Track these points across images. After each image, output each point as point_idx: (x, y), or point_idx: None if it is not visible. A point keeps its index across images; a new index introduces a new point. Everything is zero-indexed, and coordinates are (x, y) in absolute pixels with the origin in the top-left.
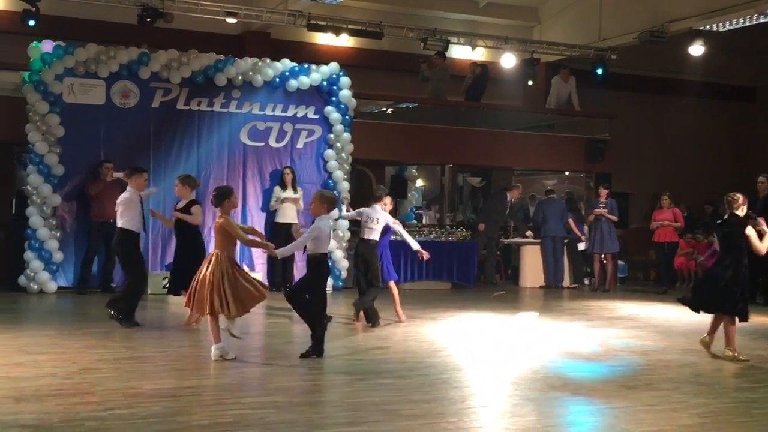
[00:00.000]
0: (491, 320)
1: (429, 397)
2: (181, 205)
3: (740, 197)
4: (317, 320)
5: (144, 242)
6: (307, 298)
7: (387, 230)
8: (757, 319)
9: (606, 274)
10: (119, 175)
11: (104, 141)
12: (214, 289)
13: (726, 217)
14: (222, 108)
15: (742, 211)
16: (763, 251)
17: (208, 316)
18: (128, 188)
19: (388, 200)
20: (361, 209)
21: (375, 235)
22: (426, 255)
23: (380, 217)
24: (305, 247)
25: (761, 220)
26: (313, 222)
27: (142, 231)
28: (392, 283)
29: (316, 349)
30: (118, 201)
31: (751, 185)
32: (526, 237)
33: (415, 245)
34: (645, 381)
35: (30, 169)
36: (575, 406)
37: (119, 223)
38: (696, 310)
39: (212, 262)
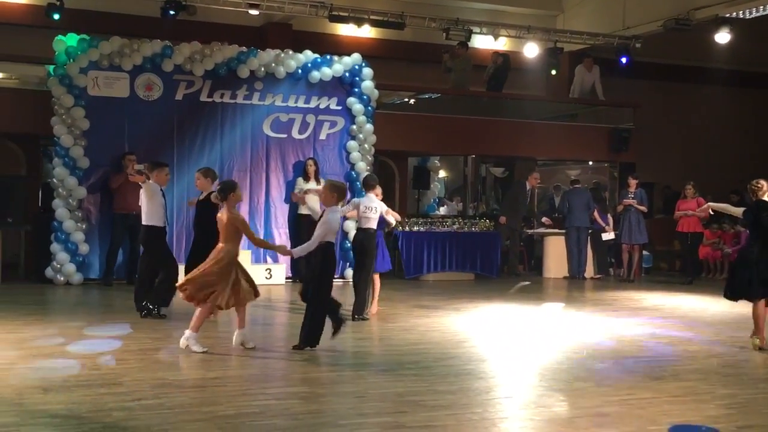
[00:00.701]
0: (515, 311)
1: (454, 388)
2: (202, 197)
3: (764, 183)
4: (330, 308)
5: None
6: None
7: (382, 220)
8: None
9: (632, 265)
10: (141, 167)
11: (128, 133)
12: (220, 281)
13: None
14: (245, 100)
15: None
16: None
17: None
18: (149, 182)
19: (379, 190)
20: (356, 200)
21: (373, 224)
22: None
23: (376, 205)
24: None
25: None
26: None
27: (166, 224)
28: (377, 276)
29: (336, 327)
30: (141, 197)
31: None
32: (544, 225)
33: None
34: (671, 372)
35: (56, 162)
36: (600, 397)
37: (144, 220)
38: (734, 299)
39: (219, 255)
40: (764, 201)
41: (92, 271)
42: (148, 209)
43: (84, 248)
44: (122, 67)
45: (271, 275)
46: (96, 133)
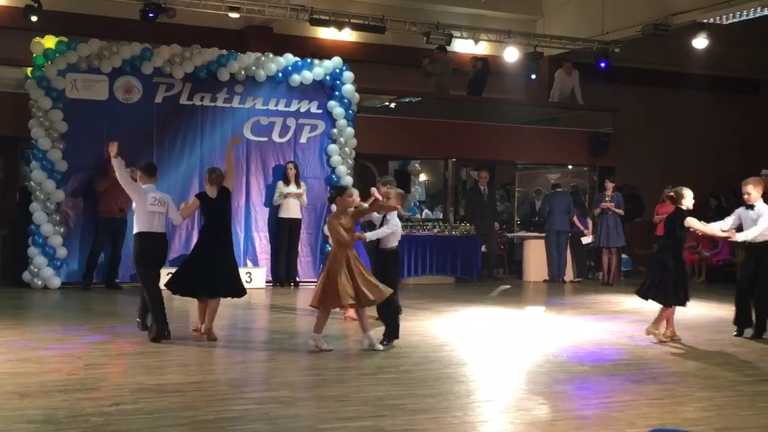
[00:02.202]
0: (495, 314)
1: (434, 392)
2: (212, 193)
3: (684, 191)
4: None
5: None
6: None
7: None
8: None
9: (611, 268)
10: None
11: (107, 136)
12: (349, 281)
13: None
14: (225, 103)
15: (683, 205)
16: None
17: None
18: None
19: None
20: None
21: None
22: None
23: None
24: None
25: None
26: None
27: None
28: None
29: (391, 334)
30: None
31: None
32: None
33: None
34: (650, 375)
35: (33, 164)
36: (580, 400)
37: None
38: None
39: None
40: (680, 209)
41: (70, 275)
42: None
43: (62, 252)
44: (101, 69)
45: (251, 279)
46: (74, 136)
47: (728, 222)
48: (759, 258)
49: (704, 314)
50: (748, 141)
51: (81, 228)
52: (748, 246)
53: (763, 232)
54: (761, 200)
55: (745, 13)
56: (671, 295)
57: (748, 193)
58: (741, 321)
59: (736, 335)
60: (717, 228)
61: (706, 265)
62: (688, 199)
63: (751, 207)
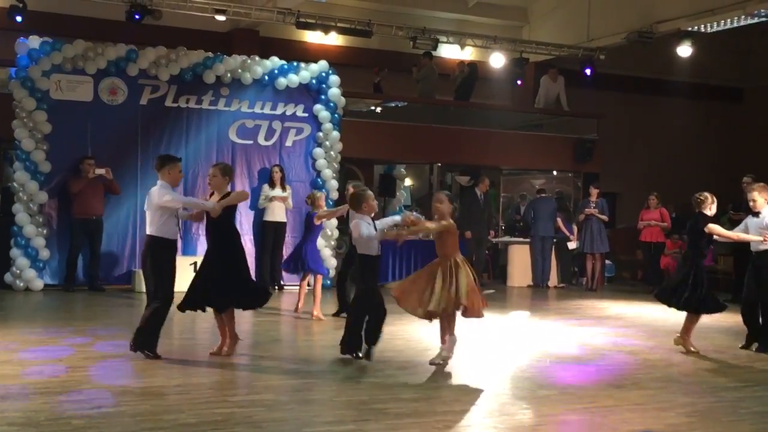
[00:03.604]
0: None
1: (417, 396)
2: (214, 199)
3: (708, 196)
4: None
5: (132, 240)
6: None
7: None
8: (740, 318)
9: (595, 274)
10: (101, 171)
11: (92, 138)
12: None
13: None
14: (211, 105)
15: (710, 211)
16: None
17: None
18: (159, 183)
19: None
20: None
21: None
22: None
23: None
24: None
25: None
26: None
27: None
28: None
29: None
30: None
31: (737, 185)
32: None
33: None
34: (632, 380)
35: (16, 165)
36: (563, 405)
37: (149, 230)
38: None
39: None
40: (704, 214)
41: (53, 277)
42: (160, 219)
43: (45, 254)
44: (86, 70)
45: None
46: (58, 137)
47: (739, 231)
48: (760, 268)
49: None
50: (731, 148)
51: (63, 230)
52: (755, 256)
53: None
54: (767, 207)
55: (728, 21)
56: (703, 304)
57: (754, 200)
58: (752, 334)
59: (742, 348)
60: (741, 234)
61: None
62: (713, 205)
63: (756, 214)
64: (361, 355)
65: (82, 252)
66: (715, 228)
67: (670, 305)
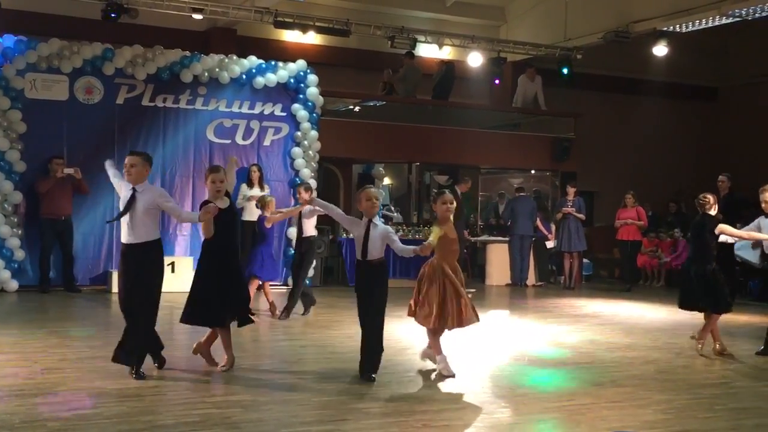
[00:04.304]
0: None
1: (396, 395)
2: (223, 205)
3: (711, 197)
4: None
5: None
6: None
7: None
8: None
9: (572, 272)
10: (70, 171)
11: (67, 138)
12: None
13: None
14: (188, 105)
15: (713, 211)
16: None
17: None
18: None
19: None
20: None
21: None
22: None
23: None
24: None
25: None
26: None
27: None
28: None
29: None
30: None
31: (713, 183)
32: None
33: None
34: (610, 378)
35: None
36: (541, 404)
37: (142, 237)
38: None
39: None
40: (710, 215)
41: (28, 278)
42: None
43: (20, 254)
44: (61, 69)
45: None
46: (33, 137)
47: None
48: None
49: (663, 318)
50: (706, 147)
51: (35, 230)
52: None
53: None
54: None
55: (704, 21)
56: (719, 302)
57: (766, 201)
58: None
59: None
60: (754, 233)
61: (665, 269)
62: (716, 206)
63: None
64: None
65: (54, 253)
66: (726, 228)
67: (699, 310)
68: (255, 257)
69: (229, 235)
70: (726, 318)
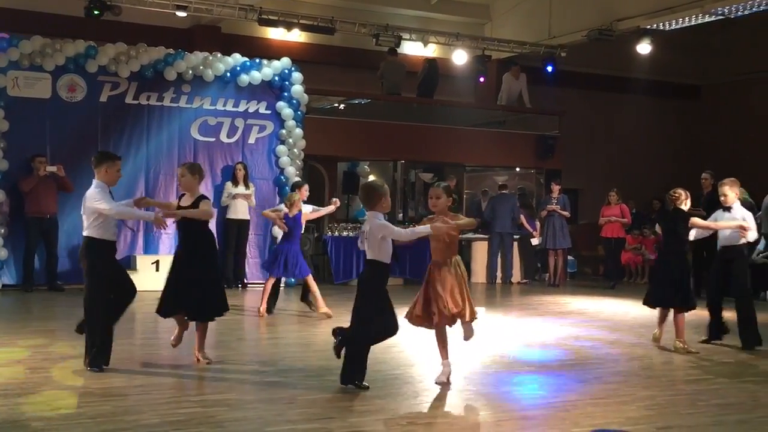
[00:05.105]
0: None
1: (382, 393)
2: (186, 202)
3: (682, 192)
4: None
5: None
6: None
7: (297, 225)
8: (701, 313)
9: (557, 270)
10: (53, 169)
11: (50, 136)
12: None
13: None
14: (172, 103)
15: (685, 206)
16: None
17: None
18: (95, 183)
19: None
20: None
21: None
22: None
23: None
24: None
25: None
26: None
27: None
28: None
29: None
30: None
31: (696, 181)
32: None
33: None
34: (594, 374)
35: None
36: (525, 401)
37: (84, 232)
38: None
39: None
40: (681, 210)
41: (12, 277)
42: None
43: (2, 253)
44: (44, 67)
45: None
46: (16, 135)
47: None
48: (730, 261)
49: (646, 314)
50: (689, 145)
51: (19, 229)
52: (721, 251)
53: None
54: (738, 202)
55: (686, 19)
56: (690, 299)
57: (725, 195)
58: (715, 330)
59: (705, 342)
60: (720, 223)
61: (649, 266)
62: (688, 201)
63: (728, 209)
64: (366, 384)
65: (38, 251)
66: (697, 221)
67: (673, 306)
68: (282, 256)
69: (195, 230)
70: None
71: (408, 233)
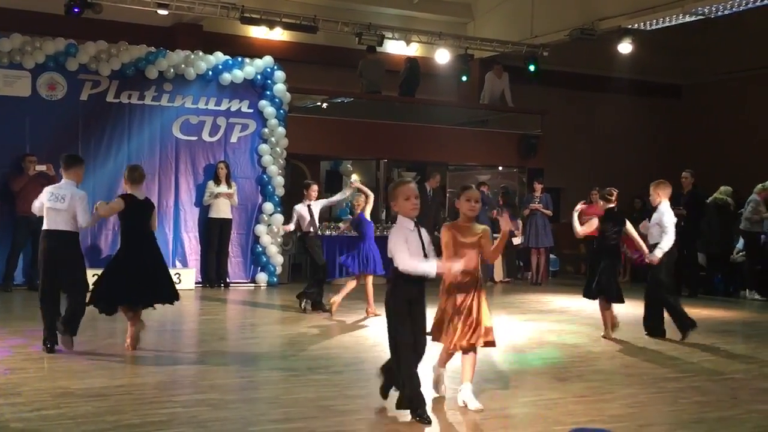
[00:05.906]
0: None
1: (364, 393)
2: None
3: (614, 192)
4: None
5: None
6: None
7: (367, 223)
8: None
9: (539, 268)
10: (42, 168)
11: (30, 134)
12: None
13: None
14: (153, 101)
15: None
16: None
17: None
18: (63, 181)
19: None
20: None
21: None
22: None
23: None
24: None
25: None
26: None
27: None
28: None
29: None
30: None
31: (676, 180)
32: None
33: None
34: (576, 373)
35: None
36: (508, 399)
37: (63, 227)
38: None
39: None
40: (613, 210)
41: None
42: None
43: None
44: (23, 65)
45: (180, 279)
46: None
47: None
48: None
49: (628, 313)
50: (670, 144)
51: (8, 228)
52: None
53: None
54: (666, 202)
55: (668, 19)
56: (618, 294)
57: (651, 196)
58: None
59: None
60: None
61: (630, 265)
62: (615, 202)
63: (655, 209)
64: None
65: (24, 250)
66: (631, 231)
67: (615, 301)
68: (357, 255)
69: (146, 223)
70: (690, 313)
71: (412, 266)
